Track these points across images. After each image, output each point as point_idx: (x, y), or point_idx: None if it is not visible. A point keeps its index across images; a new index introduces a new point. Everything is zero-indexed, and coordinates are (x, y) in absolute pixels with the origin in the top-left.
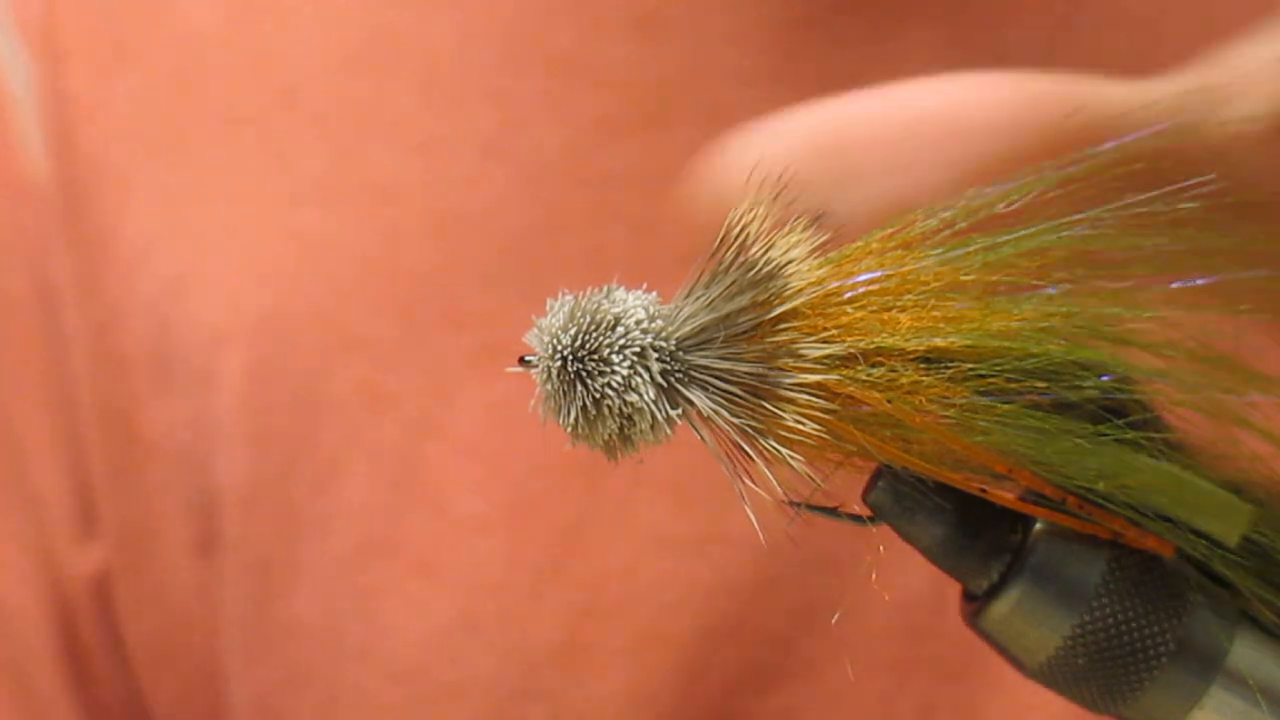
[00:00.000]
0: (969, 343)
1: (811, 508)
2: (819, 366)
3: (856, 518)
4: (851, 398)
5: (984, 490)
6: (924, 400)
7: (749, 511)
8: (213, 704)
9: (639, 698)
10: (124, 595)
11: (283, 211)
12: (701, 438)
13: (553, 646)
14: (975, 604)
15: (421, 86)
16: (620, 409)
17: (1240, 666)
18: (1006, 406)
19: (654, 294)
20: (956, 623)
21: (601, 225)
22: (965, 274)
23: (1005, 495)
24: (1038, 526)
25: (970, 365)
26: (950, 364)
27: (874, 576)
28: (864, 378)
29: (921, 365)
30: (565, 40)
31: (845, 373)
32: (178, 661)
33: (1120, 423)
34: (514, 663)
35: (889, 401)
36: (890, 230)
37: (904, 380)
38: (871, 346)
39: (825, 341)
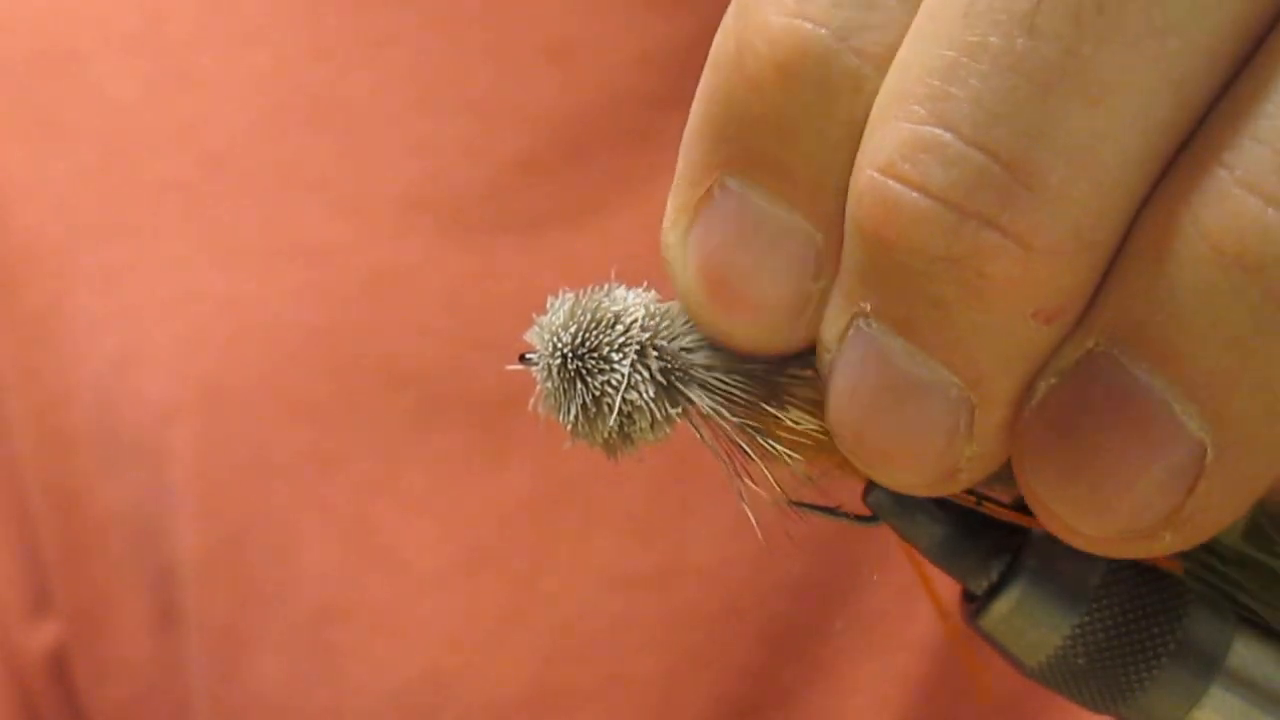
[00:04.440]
0: None
1: (812, 507)
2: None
3: (857, 518)
4: None
5: (980, 503)
6: None
7: (748, 512)
8: None
9: None
10: (82, 671)
11: (216, 278)
12: (701, 437)
13: (520, 696)
14: (975, 604)
15: (343, 143)
16: (620, 407)
17: (1240, 667)
18: None
19: (654, 292)
20: (928, 636)
21: (532, 266)
22: None
23: (1002, 510)
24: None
25: None
26: None
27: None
28: None
29: None
30: (482, 81)
31: None
32: None
33: None
34: (483, 714)
35: None
36: None
37: None
38: None
39: None
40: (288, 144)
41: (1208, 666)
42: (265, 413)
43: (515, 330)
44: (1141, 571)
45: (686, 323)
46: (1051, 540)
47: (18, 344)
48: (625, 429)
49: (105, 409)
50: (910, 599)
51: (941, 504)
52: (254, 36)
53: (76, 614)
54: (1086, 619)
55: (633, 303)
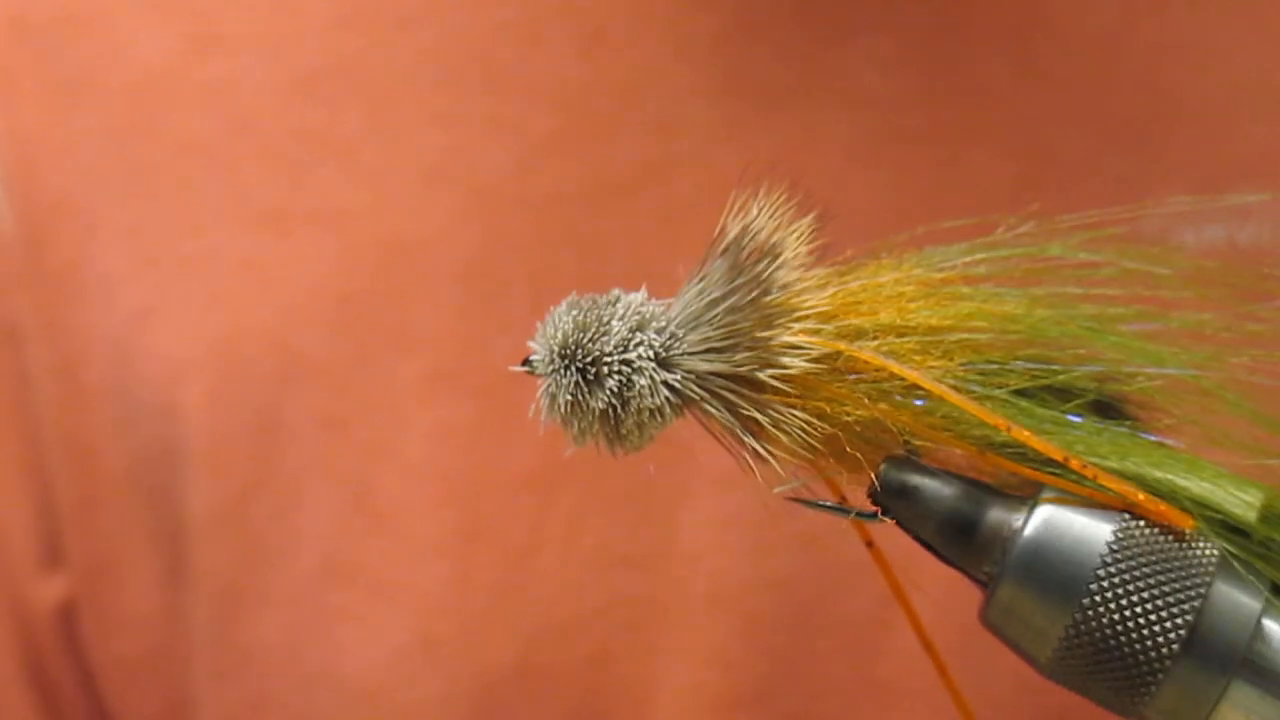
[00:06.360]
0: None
1: (815, 505)
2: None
3: (859, 514)
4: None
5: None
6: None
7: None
8: None
9: (593, 717)
10: (89, 624)
11: (237, 239)
12: (709, 431)
13: (508, 666)
14: (983, 598)
15: (370, 113)
16: (620, 409)
17: (1270, 660)
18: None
19: (654, 299)
20: (904, 644)
21: (549, 244)
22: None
23: (1008, 463)
24: (1038, 510)
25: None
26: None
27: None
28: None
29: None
30: (510, 60)
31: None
32: (147, 687)
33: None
34: (470, 683)
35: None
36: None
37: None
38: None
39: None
40: (315, 111)
41: (1226, 659)
42: (276, 372)
43: (528, 307)
44: (1149, 550)
45: (685, 329)
46: (1056, 514)
47: (41, 299)
48: (624, 429)
49: (123, 364)
50: (891, 607)
51: (946, 478)
52: (284, 3)
53: (87, 567)
54: (1086, 604)
55: (634, 307)
